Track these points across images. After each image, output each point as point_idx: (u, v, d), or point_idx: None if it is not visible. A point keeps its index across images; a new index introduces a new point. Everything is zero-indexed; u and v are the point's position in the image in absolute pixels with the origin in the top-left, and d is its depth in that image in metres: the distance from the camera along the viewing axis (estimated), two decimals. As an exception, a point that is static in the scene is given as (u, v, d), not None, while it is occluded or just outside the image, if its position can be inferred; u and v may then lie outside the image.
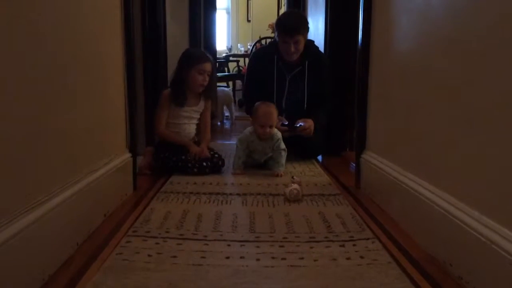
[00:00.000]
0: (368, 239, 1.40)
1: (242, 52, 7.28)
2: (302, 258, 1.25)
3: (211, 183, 2.08)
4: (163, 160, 2.30)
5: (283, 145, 2.32)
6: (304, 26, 2.58)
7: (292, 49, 2.54)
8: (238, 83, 6.63)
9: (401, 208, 1.55)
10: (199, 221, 1.54)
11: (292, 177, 1.97)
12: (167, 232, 1.44)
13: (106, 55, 1.64)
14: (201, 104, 2.40)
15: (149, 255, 1.25)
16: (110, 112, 1.70)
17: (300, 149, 2.62)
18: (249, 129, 2.35)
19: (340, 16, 2.84)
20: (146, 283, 1.09)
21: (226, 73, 6.54)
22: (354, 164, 2.16)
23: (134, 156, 1.93)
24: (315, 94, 2.68)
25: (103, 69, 1.61)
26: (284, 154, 2.31)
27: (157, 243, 1.34)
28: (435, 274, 1.18)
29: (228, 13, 8.99)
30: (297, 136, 2.54)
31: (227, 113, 4.56)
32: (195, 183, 2.07)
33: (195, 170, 2.23)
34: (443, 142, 1.28)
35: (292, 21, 2.57)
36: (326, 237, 1.41)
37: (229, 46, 8.20)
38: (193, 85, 2.30)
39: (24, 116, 1.04)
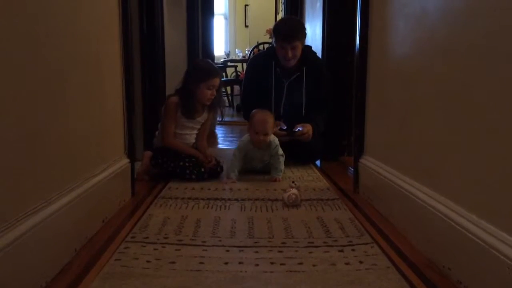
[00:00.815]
0: (367, 244, 1.40)
1: (240, 58, 7.30)
2: (301, 263, 1.25)
3: (209, 189, 2.08)
4: (161, 166, 2.29)
5: (280, 151, 2.31)
6: (301, 32, 2.59)
7: (290, 54, 2.55)
8: (236, 88, 6.64)
9: (400, 213, 1.55)
10: (197, 227, 1.54)
11: (293, 181, 1.95)
12: (165, 238, 1.43)
13: (104, 61, 1.65)
14: (205, 115, 2.37)
15: (147, 261, 1.25)
16: (108, 118, 1.69)
17: (298, 154, 2.62)
18: (247, 136, 2.34)
19: (338, 21, 2.85)
20: (145, 289, 1.09)
21: (224, 79, 6.55)
22: (352, 169, 2.16)
23: (132, 162, 1.93)
24: (313, 99, 2.69)
25: (101, 74, 1.61)
26: (282, 160, 2.30)
27: (155, 249, 1.34)
28: (434, 278, 1.17)
29: (226, 18, 9.03)
30: (295, 141, 2.55)
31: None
32: (193, 189, 2.07)
33: (193, 176, 2.22)
34: (441, 146, 1.28)
35: (289, 27, 2.58)
36: (325, 242, 1.41)
37: (227, 52, 8.22)
38: (201, 99, 2.26)
39: (22, 122, 1.04)
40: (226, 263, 1.24)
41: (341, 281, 1.14)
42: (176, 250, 1.33)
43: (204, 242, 1.40)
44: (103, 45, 1.63)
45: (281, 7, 6.19)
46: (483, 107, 1.07)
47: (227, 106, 6.04)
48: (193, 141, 2.40)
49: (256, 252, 1.33)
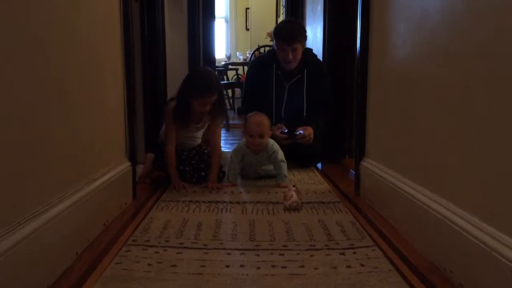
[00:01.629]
0: (368, 246, 1.40)
1: (241, 61, 7.31)
2: (302, 266, 1.25)
3: (210, 191, 2.08)
4: (163, 168, 2.28)
5: (280, 157, 2.25)
6: (302, 34, 2.60)
7: (290, 57, 2.55)
8: (237, 91, 6.66)
9: (401, 215, 1.55)
10: (199, 230, 1.54)
11: (293, 185, 1.91)
12: (167, 241, 1.43)
13: (105, 64, 1.65)
14: (204, 123, 2.30)
15: (149, 264, 1.25)
16: (109, 121, 1.70)
17: (299, 157, 2.62)
18: (244, 140, 2.30)
19: (338, 24, 2.85)
20: (146, 293, 1.09)
21: (225, 82, 6.56)
22: (353, 172, 2.16)
23: (133, 165, 1.93)
24: (314, 102, 2.69)
25: (102, 77, 1.62)
26: (284, 165, 2.25)
27: (156, 252, 1.34)
28: (436, 281, 1.17)
29: (227, 21, 9.04)
30: (296, 144, 2.55)
31: None
32: (194, 192, 2.07)
33: (194, 180, 2.22)
34: (443, 148, 1.28)
35: (290, 29, 2.59)
36: (326, 245, 1.41)
37: (228, 55, 8.24)
38: (195, 112, 2.19)
39: (23, 126, 1.05)
40: (228, 266, 1.24)
41: (342, 284, 1.14)
42: (177, 253, 1.33)
43: (206, 245, 1.40)
44: (104, 48, 1.64)
45: (282, 10, 6.21)
46: (484, 109, 1.07)
47: (228, 109, 6.04)
48: (196, 144, 2.37)
49: (257, 255, 1.33)
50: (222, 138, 2.41)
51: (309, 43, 3.71)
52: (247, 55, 7.24)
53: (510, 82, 0.96)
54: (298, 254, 1.34)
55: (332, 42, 2.90)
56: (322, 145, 2.72)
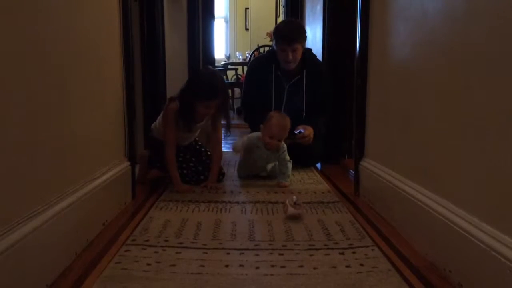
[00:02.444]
0: (367, 246, 1.40)
1: (241, 61, 7.31)
2: (301, 266, 1.24)
3: (209, 191, 2.08)
4: (160, 167, 2.26)
5: (288, 157, 2.25)
6: (301, 35, 2.60)
7: (290, 57, 2.55)
8: (237, 91, 6.65)
9: (401, 215, 1.55)
10: (198, 230, 1.54)
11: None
12: (166, 240, 1.43)
13: (104, 64, 1.65)
14: (206, 121, 2.22)
15: (148, 264, 1.24)
16: (108, 121, 1.70)
17: (299, 157, 2.62)
18: (257, 133, 2.28)
19: (338, 24, 2.85)
20: (145, 292, 1.09)
21: (225, 82, 6.55)
22: (353, 172, 2.16)
23: (132, 165, 1.93)
24: (314, 102, 2.69)
25: (101, 77, 1.62)
26: (289, 166, 2.25)
27: (156, 252, 1.33)
28: (435, 281, 1.17)
29: (226, 21, 9.04)
30: (296, 144, 2.55)
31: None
32: (193, 191, 2.07)
33: (192, 183, 2.20)
34: (442, 149, 1.28)
35: (290, 30, 2.59)
36: (325, 245, 1.41)
37: (228, 55, 8.23)
38: (198, 114, 2.12)
39: (22, 125, 1.04)
40: (227, 266, 1.24)
41: (342, 284, 1.14)
42: (176, 253, 1.33)
43: (205, 245, 1.40)
44: (103, 48, 1.64)
45: (282, 10, 6.21)
46: (484, 109, 1.07)
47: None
48: (191, 140, 2.31)
49: (257, 255, 1.33)
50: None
51: (309, 43, 3.71)
52: (247, 55, 7.24)
53: (509, 82, 0.96)
54: (297, 254, 1.34)
55: (332, 42, 2.90)
56: (322, 145, 2.72)
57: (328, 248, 1.38)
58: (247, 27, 8.86)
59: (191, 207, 1.81)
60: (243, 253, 1.34)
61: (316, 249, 1.37)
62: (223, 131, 2.28)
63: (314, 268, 1.23)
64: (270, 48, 3.05)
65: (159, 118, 2.24)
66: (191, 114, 2.10)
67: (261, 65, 2.80)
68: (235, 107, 6.40)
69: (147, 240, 1.43)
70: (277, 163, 2.29)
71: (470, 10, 1.13)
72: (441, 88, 1.29)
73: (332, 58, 2.90)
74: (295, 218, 1.65)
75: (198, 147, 2.35)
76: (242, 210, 1.79)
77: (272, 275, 1.19)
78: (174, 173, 2.11)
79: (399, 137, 1.63)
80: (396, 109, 1.66)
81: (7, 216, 0.99)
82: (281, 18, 6.48)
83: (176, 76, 3.30)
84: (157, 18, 2.81)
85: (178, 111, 2.08)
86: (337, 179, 2.40)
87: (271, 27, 5.51)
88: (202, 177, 2.22)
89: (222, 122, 2.25)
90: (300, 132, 2.53)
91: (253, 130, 2.71)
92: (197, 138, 2.35)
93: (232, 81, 6.91)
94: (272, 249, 1.37)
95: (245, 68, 6.16)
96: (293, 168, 2.45)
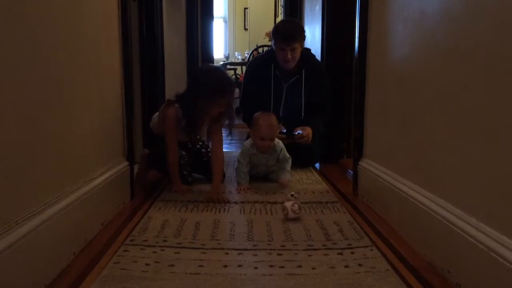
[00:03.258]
0: (366, 246, 1.40)
1: (240, 60, 7.32)
2: (300, 266, 1.25)
3: (208, 191, 2.07)
4: (159, 169, 2.25)
5: (287, 154, 2.24)
6: (300, 34, 2.60)
7: (289, 56, 2.55)
8: (236, 91, 6.63)
9: (399, 215, 1.55)
10: (196, 230, 1.54)
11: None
12: (164, 240, 1.43)
13: (103, 64, 1.65)
14: (206, 124, 2.11)
15: (146, 264, 1.24)
16: (107, 121, 1.70)
17: (297, 157, 2.62)
18: (248, 142, 2.24)
19: (337, 24, 2.86)
20: (144, 293, 1.09)
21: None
22: (351, 172, 2.16)
23: (131, 165, 1.93)
24: (313, 102, 2.69)
25: (100, 77, 1.61)
26: (290, 161, 2.24)
27: (154, 252, 1.33)
28: (434, 281, 1.17)
29: (225, 21, 9.04)
30: (294, 144, 2.55)
31: None
32: (192, 192, 2.07)
33: (190, 179, 2.19)
34: (441, 149, 1.28)
35: (289, 29, 2.59)
36: (324, 245, 1.41)
37: (227, 54, 8.24)
38: (207, 115, 1.97)
39: (21, 125, 1.04)
40: (225, 266, 1.24)
41: (340, 284, 1.14)
42: (175, 253, 1.33)
43: (203, 245, 1.40)
44: (102, 48, 1.64)
45: (280, 10, 6.21)
46: (482, 109, 1.07)
47: None
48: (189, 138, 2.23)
49: (255, 255, 1.33)
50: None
51: (308, 43, 3.71)
52: (246, 55, 7.24)
53: (509, 82, 0.96)
54: (296, 254, 1.34)
55: (331, 42, 2.91)
56: (320, 145, 2.72)
57: (326, 248, 1.38)
58: (246, 27, 8.86)
59: (189, 207, 1.81)
60: (241, 253, 1.34)
61: (315, 249, 1.37)
62: (224, 134, 2.17)
63: (313, 268, 1.23)
64: (269, 48, 3.05)
65: (156, 116, 2.16)
66: (196, 122, 1.95)
67: (260, 64, 2.80)
68: (234, 107, 6.39)
69: (146, 240, 1.43)
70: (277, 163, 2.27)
71: (468, 10, 1.13)
72: (440, 88, 1.29)
73: (331, 58, 2.90)
74: (296, 217, 1.65)
75: (197, 148, 2.30)
76: (240, 210, 1.79)
77: (270, 275, 1.19)
78: (175, 177, 2.08)
79: (398, 137, 1.63)
80: (395, 109, 1.66)
81: (6, 216, 0.98)
82: (280, 18, 6.47)
83: (175, 76, 3.30)
84: (156, 18, 2.80)
85: (177, 117, 1.98)
86: (336, 179, 2.40)
87: (270, 27, 5.50)
88: (190, 179, 2.17)
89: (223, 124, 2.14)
90: (298, 133, 2.53)
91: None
92: (198, 136, 2.25)
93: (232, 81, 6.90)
94: (271, 249, 1.37)
95: (244, 68, 6.15)
96: (292, 168, 2.46)
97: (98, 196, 1.51)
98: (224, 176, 2.31)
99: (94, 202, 1.48)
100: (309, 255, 1.32)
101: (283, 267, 1.24)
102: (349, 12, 2.54)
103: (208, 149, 2.31)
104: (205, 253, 1.34)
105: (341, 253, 1.34)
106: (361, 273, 1.21)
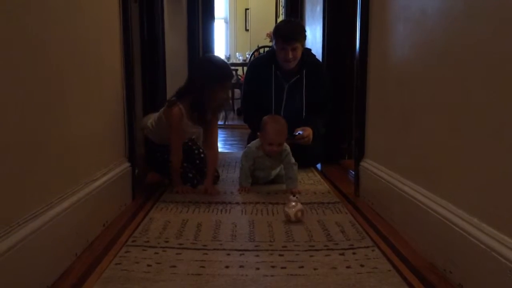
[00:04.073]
0: (368, 247, 1.40)
1: (241, 61, 7.31)
2: (301, 267, 1.25)
3: (210, 196, 2.07)
4: (158, 170, 2.24)
5: (293, 159, 2.15)
6: (301, 34, 2.60)
7: (290, 55, 2.55)
8: (237, 91, 6.64)
9: (401, 216, 1.55)
10: (198, 231, 1.54)
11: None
12: (166, 241, 1.43)
13: (105, 65, 1.65)
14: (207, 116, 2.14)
15: (148, 265, 1.25)
16: (108, 122, 1.70)
17: (298, 158, 2.61)
18: (254, 143, 2.17)
19: (338, 25, 2.86)
20: (145, 293, 1.09)
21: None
22: (353, 172, 2.16)
23: (133, 166, 1.93)
24: (314, 102, 2.69)
25: (101, 78, 1.62)
26: (296, 169, 2.15)
27: (156, 253, 1.33)
28: (435, 281, 1.17)
29: (226, 22, 9.05)
30: (295, 145, 2.54)
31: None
32: (194, 192, 2.07)
33: (195, 182, 2.18)
34: (442, 149, 1.28)
35: (289, 29, 2.60)
36: (325, 246, 1.41)
37: (228, 55, 8.23)
38: (213, 102, 2.00)
39: (22, 126, 1.05)
40: (227, 267, 1.24)
41: (342, 285, 1.14)
42: (177, 254, 1.33)
43: (205, 245, 1.40)
44: (103, 49, 1.64)
45: (281, 10, 6.21)
46: (483, 109, 1.07)
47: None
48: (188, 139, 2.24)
49: (257, 255, 1.33)
50: (222, 139, 2.24)
51: (309, 44, 3.71)
52: (247, 55, 7.24)
53: (509, 82, 0.96)
54: (297, 254, 1.34)
55: (331, 43, 2.91)
56: (321, 146, 2.72)
57: (328, 249, 1.38)
58: (247, 28, 8.86)
59: (191, 208, 1.81)
60: (243, 254, 1.34)
61: (316, 250, 1.37)
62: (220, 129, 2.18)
63: (314, 269, 1.23)
64: (270, 48, 3.05)
65: (154, 119, 2.17)
66: (203, 106, 1.99)
67: (260, 65, 2.80)
68: (235, 108, 6.39)
69: (147, 241, 1.43)
70: (282, 167, 2.22)
71: (469, 10, 1.13)
72: (440, 89, 1.29)
73: (332, 59, 2.90)
74: (300, 218, 1.63)
75: (192, 149, 2.26)
76: (242, 211, 1.79)
77: (272, 276, 1.19)
78: (176, 178, 2.09)
79: (399, 138, 1.63)
80: (396, 109, 1.66)
81: (8, 217, 0.99)
82: (281, 18, 6.47)
83: (176, 77, 3.30)
84: (157, 18, 2.80)
85: (181, 114, 2.00)
86: (337, 179, 2.40)
87: (271, 27, 5.50)
88: (195, 181, 2.16)
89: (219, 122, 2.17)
90: (299, 133, 2.53)
91: (253, 131, 2.71)
92: (193, 137, 2.26)
93: (232, 82, 6.90)
94: (272, 250, 1.37)
95: (245, 68, 6.16)
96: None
97: (99, 197, 1.51)
98: (218, 177, 2.29)
99: (96, 203, 1.48)
100: (311, 256, 1.32)
101: (284, 267, 1.24)
102: (350, 12, 2.54)
103: (201, 150, 2.27)
104: (206, 254, 1.34)
105: (342, 254, 1.34)
106: (363, 273, 1.21)
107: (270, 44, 5.93)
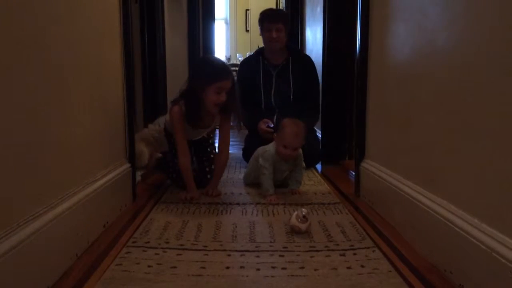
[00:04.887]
0: (368, 248, 1.39)
1: (241, 62, 7.31)
2: (302, 268, 1.24)
3: (211, 196, 2.07)
4: (167, 173, 2.24)
5: (303, 163, 2.16)
6: (285, 16, 2.84)
7: (274, 35, 2.68)
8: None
9: (401, 217, 1.55)
10: (199, 231, 1.54)
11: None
12: (166, 242, 1.43)
13: (105, 65, 1.65)
14: (216, 121, 2.11)
15: (148, 266, 1.24)
16: (109, 123, 1.70)
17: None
18: (271, 147, 2.10)
19: (338, 26, 2.86)
20: (146, 294, 1.09)
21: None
22: (353, 173, 2.16)
23: (133, 167, 1.93)
24: (301, 89, 2.76)
25: (102, 79, 1.62)
26: (303, 171, 2.16)
27: (156, 254, 1.33)
28: (436, 282, 1.17)
29: (226, 23, 9.05)
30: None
31: None
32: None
33: (209, 176, 2.15)
34: (443, 150, 1.28)
35: (273, 11, 2.86)
36: (326, 246, 1.41)
37: (228, 56, 8.25)
38: (207, 105, 1.93)
39: (22, 127, 1.05)
40: (228, 268, 1.24)
41: (342, 285, 1.14)
42: (177, 254, 1.33)
43: (206, 246, 1.40)
44: (104, 49, 1.64)
45: (282, 11, 6.21)
46: (484, 110, 1.07)
47: None
48: (199, 137, 2.19)
49: (258, 256, 1.33)
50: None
51: (309, 44, 3.72)
52: (247, 56, 7.25)
53: (509, 82, 0.96)
54: (298, 255, 1.33)
55: (332, 44, 2.91)
56: (319, 146, 2.77)
57: (328, 250, 1.38)
58: (248, 29, 8.86)
59: (191, 209, 1.81)
60: (244, 255, 1.34)
61: (317, 251, 1.37)
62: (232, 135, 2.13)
63: (315, 270, 1.23)
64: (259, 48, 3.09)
65: (166, 117, 2.16)
66: (197, 108, 1.94)
67: (249, 61, 2.94)
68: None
69: (148, 242, 1.43)
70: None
71: (469, 11, 1.13)
72: (441, 89, 1.29)
73: (332, 59, 2.90)
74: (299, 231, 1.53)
75: (207, 153, 2.23)
76: (242, 212, 1.79)
77: (273, 276, 1.19)
78: (190, 182, 2.01)
79: (400, 138, 1.63)
80: (396, 110, 1.66)
81: (8, 218, 0.99)
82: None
83: (176, 78, 3.30)
84: (157, 19, 2.81)
85: (181, 112, 1.96)
86: (338, 180, 2.40)
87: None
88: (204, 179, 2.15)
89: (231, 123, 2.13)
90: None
91: (250, 129, 2.72)
92: (205, 135, 2.22)
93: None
94: (273, 251, 1.37)
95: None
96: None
97: (100, 198, 1.51)
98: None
99: (96, 204, 1.48)
100: (311, 257, 1.32)
101: (285, 268, 1.24)
102: (350, 13, 2.54)
103: (213, 150, 2.28)
104: (207, 254, 1.34)
105: (343, 255, 1.34)
106: (364, 274, 1.20)
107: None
